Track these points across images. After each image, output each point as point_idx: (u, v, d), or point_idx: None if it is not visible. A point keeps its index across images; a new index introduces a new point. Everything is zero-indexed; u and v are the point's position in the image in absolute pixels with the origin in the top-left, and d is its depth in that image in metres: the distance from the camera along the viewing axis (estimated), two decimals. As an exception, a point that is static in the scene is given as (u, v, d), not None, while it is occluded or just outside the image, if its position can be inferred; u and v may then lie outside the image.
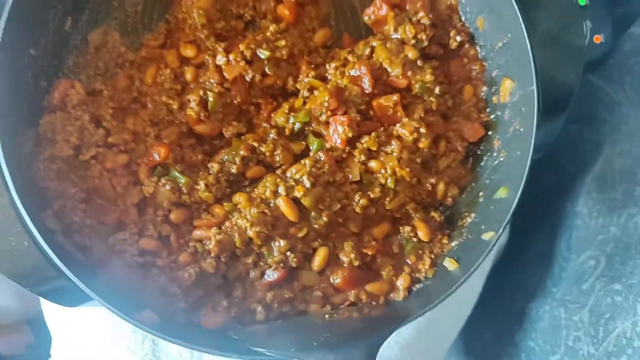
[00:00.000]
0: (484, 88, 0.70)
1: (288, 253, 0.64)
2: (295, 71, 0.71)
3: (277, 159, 0.67)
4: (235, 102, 0.69)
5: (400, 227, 0.68)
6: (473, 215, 0.67)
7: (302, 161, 0.65)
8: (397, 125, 0.66)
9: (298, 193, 0.63)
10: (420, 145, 0.66)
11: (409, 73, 0.66)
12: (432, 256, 0.67)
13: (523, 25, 0.62)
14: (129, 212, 0.66)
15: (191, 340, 0.59)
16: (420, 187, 0.68)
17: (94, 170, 0.65)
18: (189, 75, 0.69)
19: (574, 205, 0.85)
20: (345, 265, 0.65)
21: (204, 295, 0.65)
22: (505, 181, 0.65)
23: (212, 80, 0.68)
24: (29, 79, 0.64)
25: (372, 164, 0.66)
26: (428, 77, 0.66)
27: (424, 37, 0.67)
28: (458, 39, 0.69)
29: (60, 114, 0.65)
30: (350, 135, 0.65)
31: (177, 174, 0.66)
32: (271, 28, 0.69)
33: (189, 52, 0.70)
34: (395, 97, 0.66)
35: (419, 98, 0.68)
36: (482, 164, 0.70)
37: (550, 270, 0.87)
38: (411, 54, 0.67)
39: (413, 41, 0.67)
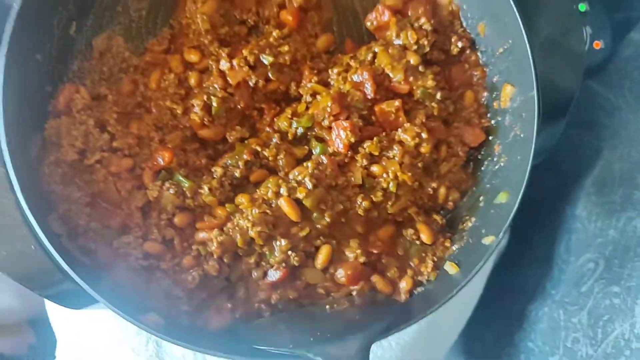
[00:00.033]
0: (485, 94, 0.70)
1: (289, 252, 0.64)
2: (298, 76, 0.71)
3: (280, 163, 0.67)
4: (239, 107, 0.69)
5: (404, 230, 0.68)
6: (474, 219, 0.67)
7: (304, 164, 0.66)
8: (399, 130, 0.66)
9: (300, 194, 0.63)
10: (422, 150, 0.66)
11: (411, 79, 0.67)
12: (435, 259, 0.67)
13: (524, 32, 0.62)
14: (133, 216, 0.66)
15: (195, 342, 0.59)
16: (422, 191, 0.68)
17: (99, 174, 0.66)
18: (192, 80, 0.69)
19: (574, 209, 0.85)
20: (350, 261, 0.66)
21: (208, 298, 0.65)
22: (505, 186, 0.65)
23: (215, 85, 0.68)
24: (35, 84, 0.64)
25: (374, 169, 0.66)
26: (430, 82, 0.67)
27: (425, 42, 0.68)
28: (459, 44, 0.70)
29: (65, 119, 0.66)
30: (352, 140, 0.65)
31: (181, 178, 0.67)
32: (274, 34, 0.70)
33: (192, 57, 0.70)
34: (397, 103, 0.66)
35: (420, 103, 0.68)
36: (482, 168, 0.70)
37: (549, 272, 0.87)
38: (413, 59, 0.67)
39: (415, 47, 0.67)
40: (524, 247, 0.93)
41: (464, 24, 0.71)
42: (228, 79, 0.68)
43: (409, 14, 0.69)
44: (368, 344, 0.56)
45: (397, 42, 0.68)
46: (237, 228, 0.64)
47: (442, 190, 0.69)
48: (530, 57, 0.62)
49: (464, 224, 0.68)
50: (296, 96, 0.71)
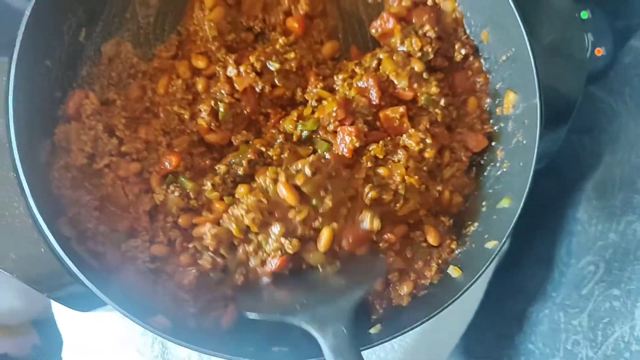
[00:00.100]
0: (488, 100, 0.70)
1: (282, 240, 0.63)
2: (303, 82, 0.72)
3: (283, 158, 0.67)
4: (245, 112, 0.70)
5: (411, 233, 0.69)
6: (476, 224, 0.68)
7: (307, 157, 0.65)
8: (404, 135, 0.67)
9: (298, 181, 0.63)
10: (426, 155, 0.67)
11: (415, 85, 0.67)
12: (440, 261, 0.67)
13: (526, 39, 0.62)
14: (140, 220, 0.67)
15: (202, 344, 0.60)
16: (429, 194, 0.68)
17: (108, 178, 0.66)
18: (200, 85, 0.70)
19: (574, 212, 0.86)
20: (362, 225, 0.65)
21: (212, 300, 0.65)
22: (508, 191, 0.66)
23: (222, 91, 0.69)
24: (45, 90, 0.65)
25: (380, 171, 0.66)
26: (433, 89, 0.67)
27: (429, 49, 0.68)
28: (463, 51, 0.70)
29: (74, 124, 0.66)
30: (357, 145, 0.65)
31: (183, 179, 0.67)
32: (280, 40, 0.70)
33: (200, 63, 0.71)
34: (401, 109, 0.67)
35: (424, 110, 0.69)
36: (485, 173, 0.70)
37: (550, 274, 0.88)
38: (417, 66, 0.67)
39: (419, 54, 0.68)
40: (525, 249, 0.93)
41: (468, 32, 0.71)
42: (235, 84, 0.69)
43: (413, 21, 0.70)
44: (348, 310, 0.60)
45: (402, 49, 0.69)
46: (232, 217, 0.64)
47: (446, 195, 0.69)
48: (532, 64, 0.62)
49: (467, 229, 0.69)
50: (302, 102, 0.72)
